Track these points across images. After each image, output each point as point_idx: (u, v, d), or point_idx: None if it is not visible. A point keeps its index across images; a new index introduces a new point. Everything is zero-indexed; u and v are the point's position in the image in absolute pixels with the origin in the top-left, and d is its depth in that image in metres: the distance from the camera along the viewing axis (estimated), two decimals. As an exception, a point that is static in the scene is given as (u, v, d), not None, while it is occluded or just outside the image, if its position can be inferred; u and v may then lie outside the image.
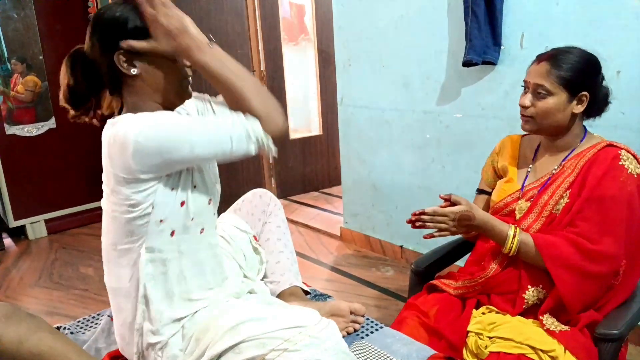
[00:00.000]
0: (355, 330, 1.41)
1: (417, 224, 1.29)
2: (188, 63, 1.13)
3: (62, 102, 1.17)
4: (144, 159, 1.02)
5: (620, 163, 1.24)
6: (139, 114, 1.06)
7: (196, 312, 1.18)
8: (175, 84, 1.13)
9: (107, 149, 1.07)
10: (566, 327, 1.23)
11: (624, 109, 1.80)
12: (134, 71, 1.09)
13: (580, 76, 1.26)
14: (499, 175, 1.51)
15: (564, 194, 1.29)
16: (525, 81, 1.32)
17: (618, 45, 1.78)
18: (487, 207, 1.50)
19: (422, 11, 2.40)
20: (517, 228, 1.30)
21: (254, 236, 1.52)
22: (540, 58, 1.30)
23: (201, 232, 1.19)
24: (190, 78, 1.16)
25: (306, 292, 1.58)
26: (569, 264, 1.22)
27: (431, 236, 1.30)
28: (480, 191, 1.56)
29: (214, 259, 1.25)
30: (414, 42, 2.48)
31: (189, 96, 1.18)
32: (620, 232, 1.22)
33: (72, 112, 1.18)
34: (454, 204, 1.29)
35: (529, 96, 1.29)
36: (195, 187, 1.15)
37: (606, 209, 1.22)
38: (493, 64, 2.14)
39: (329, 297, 1.60)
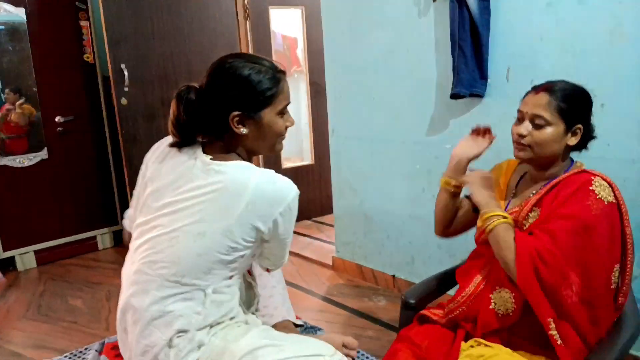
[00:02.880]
0: None
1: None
2: (288, 123, 1.25)
3: (170, 132, 1.24)
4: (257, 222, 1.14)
5: (590, 188, 1.25)
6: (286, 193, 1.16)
7: (213, 335, 1.18)
8: (273, 142, 1.25)
9: (227, 192, 1.14)
10: None
11: (609, 141, 1.84)
12: (243, 131, 1.17)
13: (577, 108, 1.29)
14: None
15: (533, 209, 1.31)
16: (520, 111, 1.33)
17: (601, 79, 1.83)
18: (469, 212, 1.54)
19: (411, 46, 2.47)
20: (510, 217, 1.30)
21: (248, 270, 1.53)
22: (537, 89, 1.31)
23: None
24: (285, 135, 1.27)
25: (297, 326, 1.57)
26: (530, 261, 1.21)
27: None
28: (468, 197, 1.57)
29: (243, 289, 1.34)
30: (404, 75, 2.53)
31: (280, 149, 1.29)
32: (570, 251, 1.20)
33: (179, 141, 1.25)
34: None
35: (526, 124, 1.30)
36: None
37: (563, 225, 1.22)
38: (480, 96, 2.19)
39: (320, 329, 1.60)
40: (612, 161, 1.84)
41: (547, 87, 1.30)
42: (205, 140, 1.25)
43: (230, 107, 1.14)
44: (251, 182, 1.13)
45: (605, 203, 1.24)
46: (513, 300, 1.29)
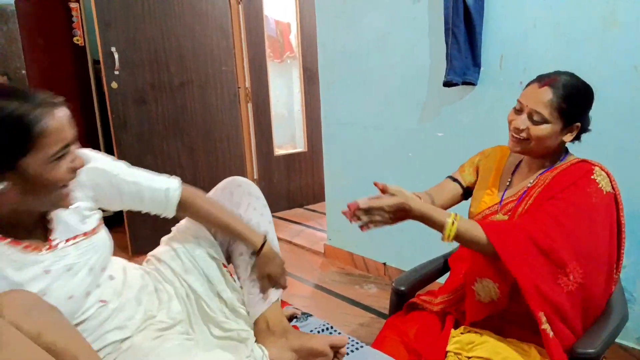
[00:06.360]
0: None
1: (353, 220, 1.27)
2: (74, 164, 1.01)
3: None
4: None
5: (592, 177, 1.24)
6: None
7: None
8: (50, 194, 1.00)
9: None
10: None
11: (601, 129, 1.83)
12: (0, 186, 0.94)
13: (578, 109, 1.27)
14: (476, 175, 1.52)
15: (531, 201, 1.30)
16: (520, 102, 1.29)
17: (593, 67, 1.82)
18: (451, 194, 1.53)
19: (404, 32, 2.44)
20: (458, 215, 1.25)
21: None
22: (542, 82, 1.26)
23: None
24: (69, 186, 1.03)
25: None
26: (521, 250, 1.18)
27: (367, 227, 1.29)
28: (452, 178, 1.56)
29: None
30: (396, 62, 2.51)
31: (67, 205, 1.06)
32: (573, 237, 1.19)
33: None
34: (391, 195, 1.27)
35: (524, 118, 1.27)
36: None
37: (565, 208, 1.20)
38: (473, 84, 2.18)
39: (310, 315, 1.60)
40: (603, 149, 1.83)
41: (551, 82, 1.25)
42: None
43: None
44: None
45: (604, 193, 1.23)
46: (498, 290, 1.28)
